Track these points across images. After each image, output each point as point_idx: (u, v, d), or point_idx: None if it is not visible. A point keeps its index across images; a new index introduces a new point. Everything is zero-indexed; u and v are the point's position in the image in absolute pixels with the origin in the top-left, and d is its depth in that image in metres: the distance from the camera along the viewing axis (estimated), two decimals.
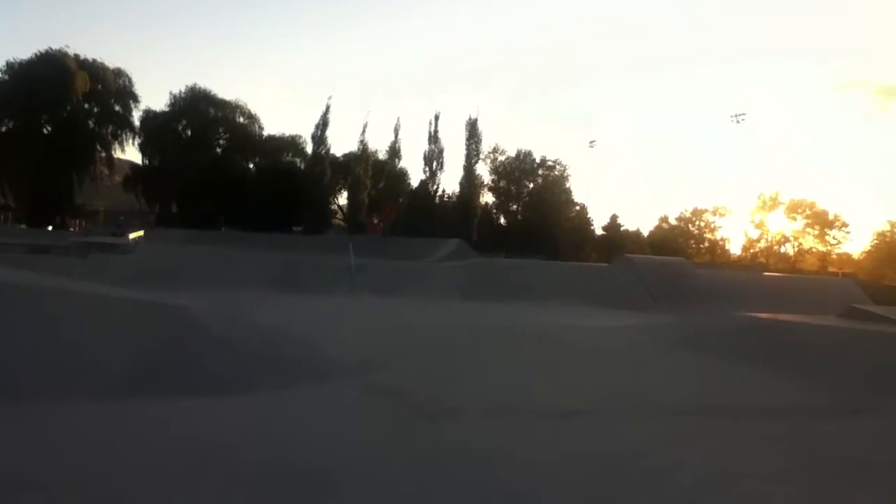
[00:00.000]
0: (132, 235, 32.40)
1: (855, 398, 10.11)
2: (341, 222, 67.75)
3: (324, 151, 61.43)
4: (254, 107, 73.93)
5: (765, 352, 12.90)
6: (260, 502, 4.80)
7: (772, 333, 13.93)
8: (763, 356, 12.70)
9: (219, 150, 63.87)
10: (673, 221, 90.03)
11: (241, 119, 65.01)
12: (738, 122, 78.25)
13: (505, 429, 7.54)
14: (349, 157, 64.55)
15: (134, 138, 61.25)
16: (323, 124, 61.10)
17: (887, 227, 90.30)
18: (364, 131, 64.02)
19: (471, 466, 6.00)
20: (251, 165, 64.59)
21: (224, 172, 58.61)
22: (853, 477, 6.47)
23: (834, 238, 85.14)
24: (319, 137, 61.28)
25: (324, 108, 62.51)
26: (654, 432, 7.80)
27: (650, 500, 5.49)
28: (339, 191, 67.05)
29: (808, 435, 8.08)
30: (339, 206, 68.52)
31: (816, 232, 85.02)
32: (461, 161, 66.77)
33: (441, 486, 5.39)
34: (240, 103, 64.80)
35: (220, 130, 63.92)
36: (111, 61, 59.94)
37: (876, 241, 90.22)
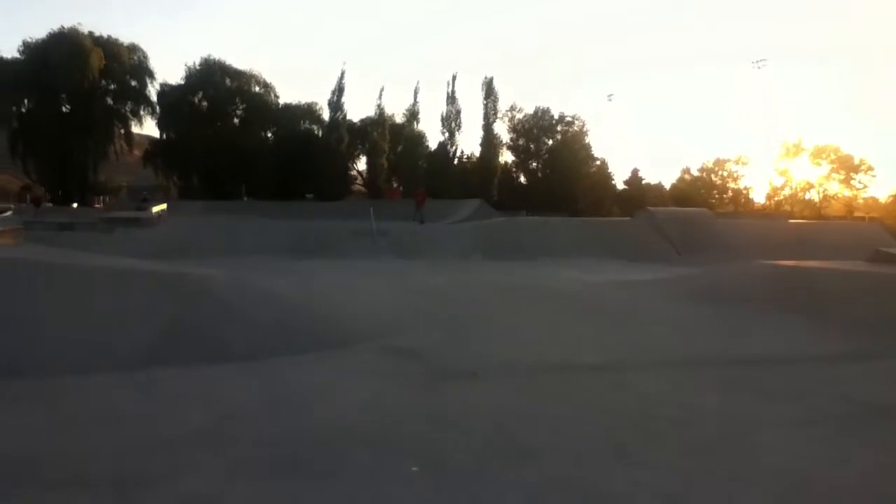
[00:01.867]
0: (155, 209, 32.65)
1: (879, 343, 10.03)
2: (361, 187, 67.86)
3: (340, 117, 61.38)
4: (269, 76, 73.82)
5: (788, 300, 12.80)
6: (284, 465, 4.88)
7: (795, 281, 13.78)
8: (786, 304, 12.60)
9: (236, 120, 63.96)
10: (695, 173, 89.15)
11: (257, 88, 64.93)
12: (758, 67, 76.85)
13: (523, 386, 7.57)
14: (366, 122, 64.40)
15: (152, 113, 61.48)
16: (339, 90, 61.03)
17: None
18: (381, 95, 63.79)
19: (490, 425, 6.06)
20: (269, 134, 64.63)
21: (242, 142, 58.73)
22: (875, 422, 6.47)
23: (860, 182, 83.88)
24: (336, 103, 61.22)
25: (339, 74, 62.39)
26: (675, 384, 7.80)
27: (673, 449, 5.51)
28: (358, 156, 67.05)
29: (830, 382, 8.04)
30: (358, 171, 68.53)
31: (842, 177, 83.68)
32: (479, 121, 66.42)
33: (459, 446, 5.44)
34: (254, 73, 64.72)
35: (237, 101, 63.92)
36: (125, 37, 59.88)
37: None
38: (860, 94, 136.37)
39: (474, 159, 67.28)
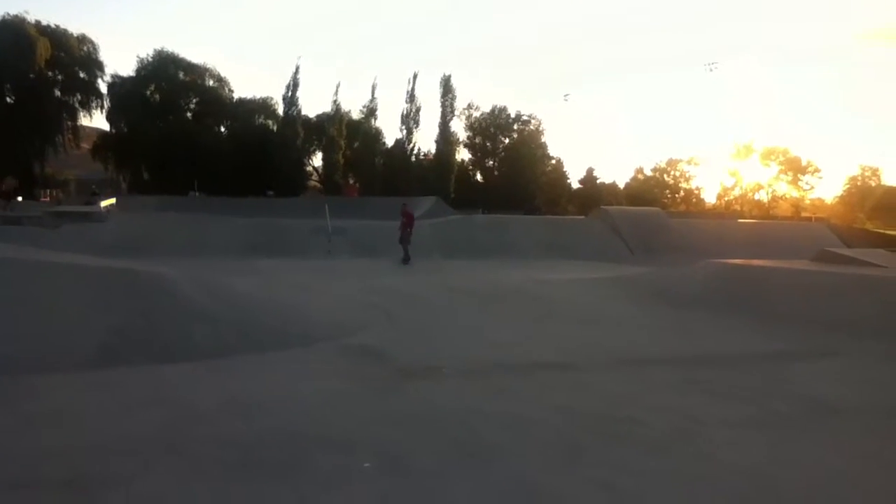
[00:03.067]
0: (104, 204, 31.89)
1: (826, 341, 10.34)
2: (317, 184, 67.31)
3: (295, 113, 60.81)
4: (223, 70, 72.76)
5: (739, 298, 13.12)
6: (243, 465, 4.82)
7: (745, 280, 14.14)
8: (737, 303, 12.92)
9: (189, 114, 62.88)
10: (648, 172, 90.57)
11: (211, 82, 63.94)
12: (710, 70, 78.39)
13: (484, 386, 7.60)
14: (323, 118, 63.92)
15: (101, 106, 60.04)
16: (294, 85, 60.45)
17: (859, 172, 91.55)
18: (337, 91, 63.54)
19: (449, 423, 6.07)
20: (223, 129, 63.67)
21: (195, 137, 57.77)
22: (825, 420, 6.65)
23: (807, 183, 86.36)
24: (291, 98, 60.64)
25: (294, 69, 61.80)
26: (630, 383, 7.93)
27: (627, 449, 5.59)
28: (314, 152, 66.49)
29: (781, 380, 8.25)
30: (314, 167, 67.96)
31: (790, 178, 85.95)
32: (436, 119, 66.46)
33: (420, 444, 5.45)
34: (208, 66, 63.68)
35: (190, 94, 62.84)
36: (74, 28, 58.33)
37: (848, 186, 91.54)
38: (809, 97, 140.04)
39: (431, 157, 67.26)
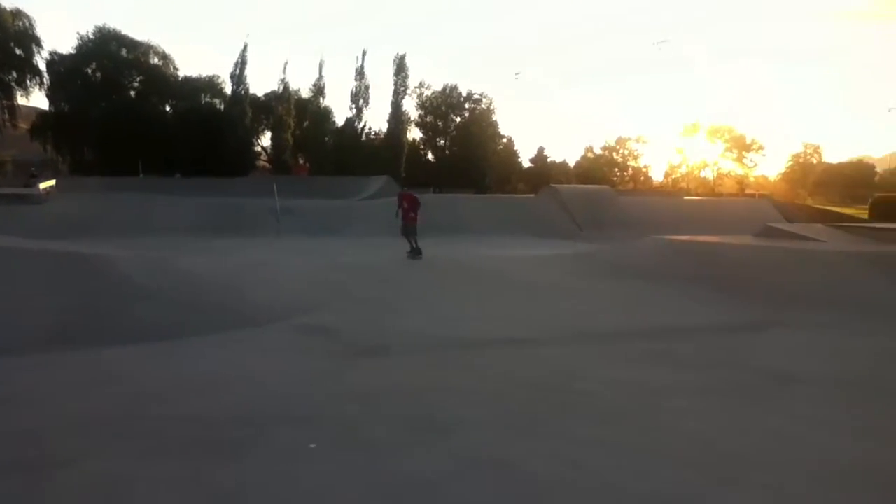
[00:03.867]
0: (42, 185, 30.88)
1: (771, 313, 10.66)
2: (266, 164, 66.36)
3: (243, 91, 59.67)
4: (168, 48, 70.90)
5: (685, 273, 13.41)
6: (194, 446, 4.80)
7: (691, 255, 14.46)
8: (683, 277, 13.21)
9: (133, 93, 61.13)
10: (598, 151, 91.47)
11: (156, 60, 62.20)
12: (660, 48, 79.14)
13: (439, 361, 7.67)
14: (270, 97, 62.91)
15: (40, 84, 57.93)
16: (241, 63, 59.27)
17: (801, 150, 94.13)
18: (285, 69, 62.55)
19: (405, 399, 6.13)
20: (168, 108, 62.13)
21: (139, 116, 56.19)
22: (772, 388, 6.89)
23: (751, 161, 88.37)
24: (238, 77, 59.45)
25: (241, 47, 60.64)
26: (584, 357, 8.09)
27: (585, 419, 5.73)
28: (262, 132, 65.47)
29: (730, 350, 8.52)
30: (262, 147, 66.96)
31: (735, 156, 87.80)
32: (387, 98, 65.98)
33: (375, 420, 5.49)
34: (152, 44, 61.92)
35: (133, 73, 61.05)
36: (8, 2, 55.91)
37: (791, 163, 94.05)
38: (755, 76, 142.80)
39: (382, 136, 66.86)
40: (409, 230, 17.55)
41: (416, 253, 17.03)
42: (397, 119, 65.26)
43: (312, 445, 4.91)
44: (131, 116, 55.49)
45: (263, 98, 63.19)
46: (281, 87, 62.12)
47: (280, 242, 22.31)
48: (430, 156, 74.99)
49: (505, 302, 11.67)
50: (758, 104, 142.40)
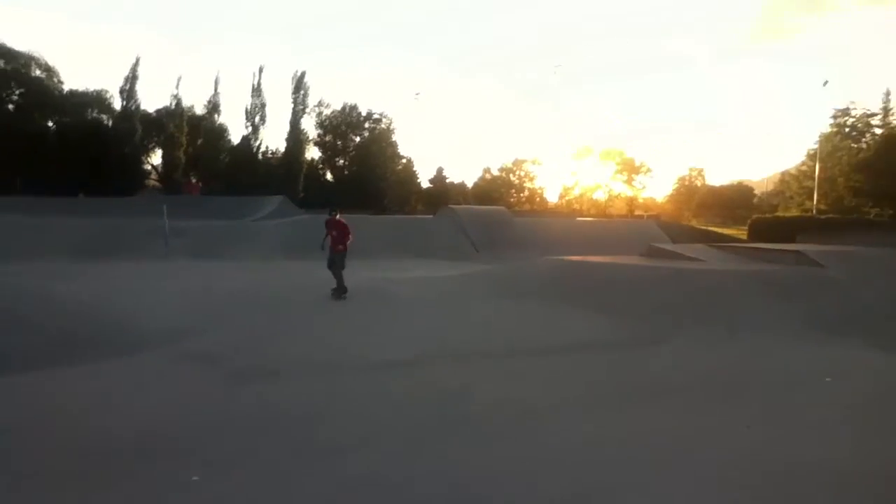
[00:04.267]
0: None
1: (654, 329, 11.07)
2: (156, 182, 64.03)
3: (133, 107, 57.45)
4: (52, 59, 67.51)
5: (576, 291, 13.77)
6: (68, 476, 4.53)
7: (582, 274, 14.87)
8: (574, 295, 13.55)
9: (11, 106, 57.79)
10: (495, 172, 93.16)
11: (38, 72, 59.06)
12: (555, 72, 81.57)
13: (328, 386, 7.55)
14: (162, 113, 60.85)
15: None
16: (132, 78, 57.09)
17: (687, 173, 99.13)
18: (178, 85, 60.78)
19: (292, 425, 6.00)
20: (51, 123, 59.04)
21: (19, 132, 53.12)
22: (656, 399, 7.20)
23: (640, 183, 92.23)
24: (129, 92, 57.21)
25: (133, 61, 58.51)
26: (471, 376, 8.14)
27: (473, 438, 5.77)
28: (153, 149, 63.16)
29: (616, 366, 8.82)
30: (152, 165, 64.62)
31: (625, 178, 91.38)
32: (285, 116, 65.13)
33: (259, 447, 5.34)
34: (34, 55, 58.81)
35: (12, 85, 57.75)
36: None
37: (677, 185, 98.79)
38: (640, 101, 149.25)
39: (280, 155, 65.81)
40: (336, 262, 14.37)
41: (340, 291, 14.14)
42: (295, 138, 64.42)
43: (195, 478, 4.71)
44: (8, 132, 52.37)
45: (155, 114, 61.06)
46: (173, 103, 60.24)
47: (167, 265, 21.47)
48: (328, 175, 74.36)
49: (397, 324, 11.62)
50: (649, 127, 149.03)
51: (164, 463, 4.97)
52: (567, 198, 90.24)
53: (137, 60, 58.29)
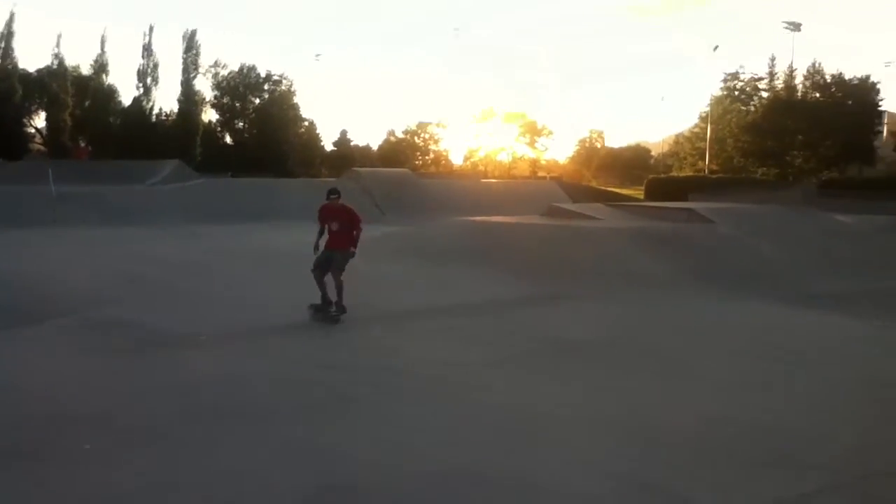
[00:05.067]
0: None
1: (556, 286, 11.40)
2: (41, 147, 60.45)
3: (11, 66, 53.78)
4: None
5: (482, 251, 13.98)
6: None
7: (486, 234, 15.09)
8: (480, 255, 13.75)
9: None
10: (400, 135, 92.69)
11: None
12: (457, 35, 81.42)
13: (245, 349, 7.57)
14: (44, 73, 57.25)
15: None
16: (7, 34, 53.34)
17: (587, 135, 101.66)
18: (59, 43, 57.14)
19: (210, 389, 6.05)
20: None
21: None
22: (565, 353, 7.63)
23: (542, 145, 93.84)
24: (5, 50, 53.49)
25: (7, 16, 54.61)
26: (392, 336, 8.35)
27: (393, 395, 5.93)
28: (36, 111, 59.46)
29: (523, 322, 9.11)
30: (36, 129, 60.90)
31: (528, 140, 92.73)
32: (179, 77, 62.47)
33: (180, 413, 5.32)
34: None
35: None
36: None
37: (578, 148, 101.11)
38: (544, 65, 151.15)
39: (174, 117, 63.19)
40: (336, 263, 9.28)
41: (339, 311, 9.12)
42: (189, 99, 61.98)
43: (87, 446, 4.60)
44: None
45: (35, 74, 57.37)
46: (55, 63, 56.75)
47: (59, 233, 20.41)
48: (227, 139, 72.06)
49: (305, 287, 11.47)
50: (550, 92, 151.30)
51: (89, 430, 4.88)
52: (472, 160, 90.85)
53: (12, 16, 54.44)
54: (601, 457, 4.78)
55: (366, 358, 7.27)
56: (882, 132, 52.06)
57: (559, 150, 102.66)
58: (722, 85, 60.91)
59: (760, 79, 59.44)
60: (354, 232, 9.51)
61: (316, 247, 9.70)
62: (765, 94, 58.30)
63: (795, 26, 54.89)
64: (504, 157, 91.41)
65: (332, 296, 9.14)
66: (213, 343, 7.77)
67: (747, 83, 59.96)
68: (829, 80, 51.91)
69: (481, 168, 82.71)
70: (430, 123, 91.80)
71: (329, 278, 9.14)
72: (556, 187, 37.39)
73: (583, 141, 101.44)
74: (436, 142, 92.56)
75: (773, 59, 59.38)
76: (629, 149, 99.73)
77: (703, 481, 4.45)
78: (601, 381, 6.60)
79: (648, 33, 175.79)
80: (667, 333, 8.70)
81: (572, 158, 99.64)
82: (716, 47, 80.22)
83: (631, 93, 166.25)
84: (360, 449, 4.74)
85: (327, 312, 9.10)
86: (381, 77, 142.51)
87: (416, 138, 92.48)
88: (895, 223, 16.69)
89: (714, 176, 47.77)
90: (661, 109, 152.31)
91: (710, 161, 54.74)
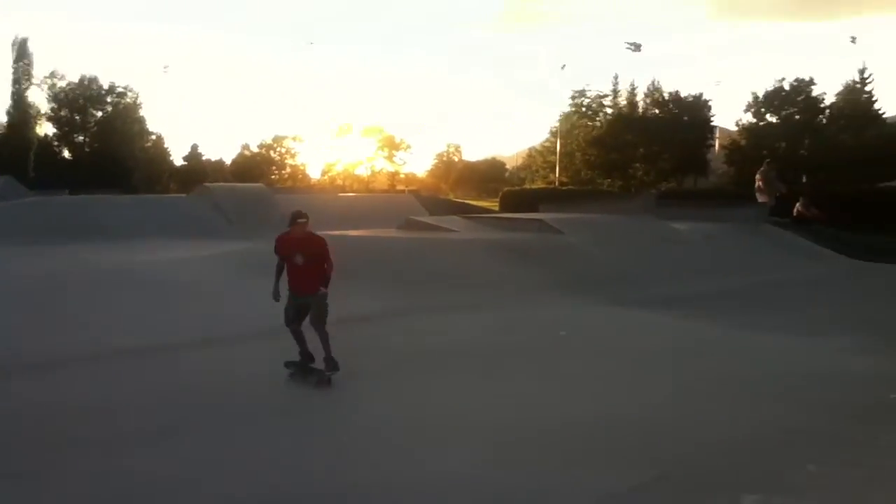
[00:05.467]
0: None
1: (410, 299, 11.39)
2: None
3: None
4: None
5: (339, 266, 13.72)
6: None
7: (340, 248, 14.84)
8: (338, 270, 13.49)
9: None
10: (255, 149, 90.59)
11: None
12: (311, 45, 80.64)
13: (64, 377, 6.98)
14: None
15: None
16: None
17: (445, 149, 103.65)
18: None
19: (22, 421, 5.64)
20: None
21: None
22: (428, 363, 7.82)
23: (401, 159, 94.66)
24: None
25: None
26: (226, 358, 7.90)
27: (221, 423, 5.65)
28: None
29: (374, 339, 9.01)
30: None
31: (386, 154, 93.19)
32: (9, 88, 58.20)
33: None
34: None
35: None
36: None
37: (436, 161, 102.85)
38: (403, 78, 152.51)
39: (3, 130, 58.62)
40: (317, 310, 7.58)
41: (331, 368, 7.21)
42: (21, 111, 57.78)
43: None
44: None
45: None
46: None
47: None
48: (66, 153, 67.65)
49: (144, 307, 10.87)
50: (407, 106, 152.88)
51: None
52: (330, 174, 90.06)
53: None
54: (455, 461, 4.96)
55: (195, 382, 6.98)
56: (714, 146, 56.34)
57: (418, 164, 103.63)
58: (570, 101, 63.92)
59: (605, 96, 63.02)
60: (325, 265, 7.71)
61: (275, 294, 7.73)
62: (609, 111, 61.71)
63: (637, 46, 58.48)
64: (363, 171, 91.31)
65: (305, 350, 7.42)
66: (27, 372, 7.23)
67: (593, 100, 63.31)
68: (666, 98, 55.64)
69: (339, 182, 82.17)
70: (286, 137, 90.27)
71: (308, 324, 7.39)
72: (414, 201, 37.63)
73: (441, 155, 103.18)
74: (292, 156, 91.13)
75: (616, 78, 63.11)
76: (485, 162, 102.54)
77: (541, 478, 4.72)
78: (466, 388, 6.72)
79: (506, 49, 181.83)
80: (527, 339, 8.94)
81: (431, 172, 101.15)
82: (563, 66, 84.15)
83: (487, 107, 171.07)
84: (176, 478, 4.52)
85: (314, 371, 7.28)
86: (235, 89, 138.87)
87: (271, 152, 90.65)
88: (722, 230, 18.03)
89: (564, 188, 49.90)
90: (514, 124, 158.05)
91: (560, 173, 57.15)
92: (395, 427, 5.66)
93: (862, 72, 51.37)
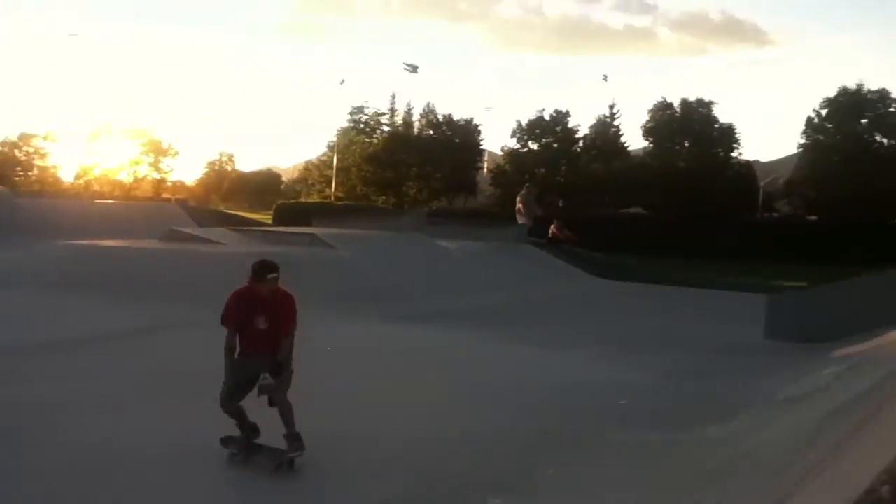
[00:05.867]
0: None
1: (170, 314, 10.81)
2: None
3: None
4: None
5: (90, 278, 12.76)
6: None
7: (96, 259, 13.91)
8: (86, 283, 12.57)
9: None
10: None
11: None
12: (71, 37, 73.98)
13: None
14: None
15: None
16: None
17: (217, 157, 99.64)
18: None
19: None
20: None
21: None
22: (169, 387, 7.32)
23: (168, 166, 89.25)
24: None
25: None
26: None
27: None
28: None
29: (132, 354, 8.53)
30: None
31: (152, 159, 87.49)
32: None
33: None
34: None
35: None
36: None
37: (207, 170, 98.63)
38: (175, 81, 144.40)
39: None
40: (277, 382, 5.42)
41: (297, 446, 5.28)
42: None
43: None
44: None
45: None
46: None
47: None
48: None
49: None
50: (177, 110, 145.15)
51: None
52: (86, 178, 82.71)
53: None
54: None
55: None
56: (483, 168, 59.49)
57: (187, 172, 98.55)
58: (349, 117, 64.41)
59: (382, 114, 64.23)
60: (291, 327, 5.78)
61: (230, 368, 5.63)
62: (386, 128, 63.03)
63: (414, 68, 60.38)
64: (124, 177, 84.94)
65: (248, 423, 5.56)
66: None
67: (371, 117, 64.31)
68: (441, 120, 57.95)
69: (97, 188, 75.84)
70: (35, 136, 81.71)
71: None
72: (181, 210, 35.74)
73: (212, 163, 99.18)
74: (42, 157, 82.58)
75: (394, 97, 64.60)
76: (260, 173, 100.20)
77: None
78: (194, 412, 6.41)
79: (288, 59, 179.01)
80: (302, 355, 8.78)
81: (201, 181, 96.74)
82: (342, 81, 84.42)
83: (264, 116, 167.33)
84: None
85: (267, 451, 5.47)
86: None
87: (17, 151, 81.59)
88: (486, 249, 19.11)
89: (339, 203, 50.11)
90: (292, 136, 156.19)
91: (336, 188, 57.32)
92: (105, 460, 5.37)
93: (612, 107, 56.98)
